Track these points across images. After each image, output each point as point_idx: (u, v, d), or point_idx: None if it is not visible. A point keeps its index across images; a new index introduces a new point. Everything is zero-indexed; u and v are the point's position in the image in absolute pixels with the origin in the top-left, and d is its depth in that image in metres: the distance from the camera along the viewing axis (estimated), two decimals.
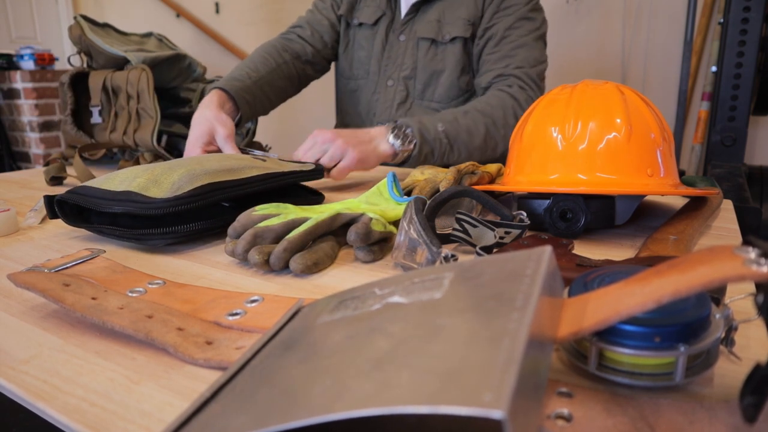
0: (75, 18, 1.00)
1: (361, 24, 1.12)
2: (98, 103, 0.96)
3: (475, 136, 0.91)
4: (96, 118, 0.98)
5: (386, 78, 1.10)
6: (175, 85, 1.03)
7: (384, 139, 0.84)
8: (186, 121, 1.00)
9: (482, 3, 1.02)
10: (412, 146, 0.85)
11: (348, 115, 1.21)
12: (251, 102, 0.94)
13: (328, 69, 1.19)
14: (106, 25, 1.05)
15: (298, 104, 1.05)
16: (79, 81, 1.02)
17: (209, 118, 0.83)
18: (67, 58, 1.06)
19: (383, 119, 1.12)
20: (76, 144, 1.01)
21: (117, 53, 0.94)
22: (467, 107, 0.94)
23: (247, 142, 1.00)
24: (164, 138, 0.93)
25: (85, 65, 1.02)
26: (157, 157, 0.89)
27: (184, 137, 0.97)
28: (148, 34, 1.09)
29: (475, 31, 1.03)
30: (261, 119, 1.05)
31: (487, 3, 1.02)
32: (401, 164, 0.88)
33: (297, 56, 1.11)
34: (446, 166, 0.82)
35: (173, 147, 0.93)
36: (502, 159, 0.93)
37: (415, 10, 1.06)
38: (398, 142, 0.84)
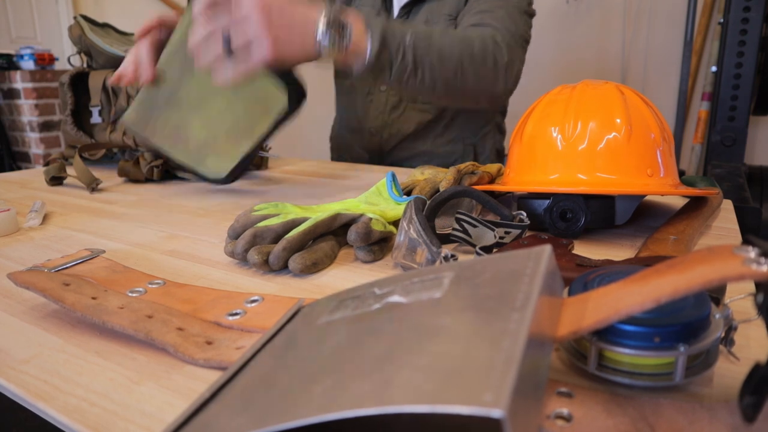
0: (75, 18, 1.00)
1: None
2: (98, 104, 0.96)
3: (446, 61, 0.75)
4: (96, 119, 0.98)
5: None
6: None
7: (311, 31, 0.61)
8: None
9: None
10: (349, 47, 0.63)
11: (345, 116, 1.20)
12: None
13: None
14: (106, 25, 1.04)
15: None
16: (79, 81, 1.02)
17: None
18: (67, 58, 1.06)
19: (377, 124, 1.10)
20: (76, 144, 1.01)
21: (117, 53, 0.93)
22: (445, 29, 0.82)
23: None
24: None
25: (84, 65, 1.02)
26: (157, 157, 0.88)
27: None
28: None
29: (458, 23, 0.99)
30: None
31: None
32: (345, 72, 0.69)
33: None
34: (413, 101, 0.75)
35: None
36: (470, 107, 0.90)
37: (406, 12, 1.05)
38: (327, 39, 0.61)
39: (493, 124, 1.14)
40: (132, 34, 1.05)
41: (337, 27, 0.61)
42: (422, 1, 1.04)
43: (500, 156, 1.17)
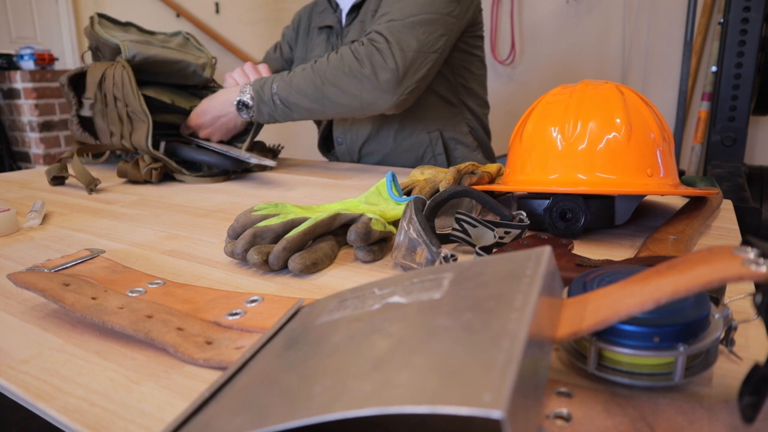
0: (91, 16, 0.99)
1: (320, 28, 1.17)
2: (92, 97, 0.94)
3: (304, 95, 0.90)
4: (86, 111, 0.97)
5: None
6: (182, 83, 1.01)
7: (235, 114, 0.95)
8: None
9: None
10: (252, 112, 0.93)
11: (319, 129, 1.25)
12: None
13: None
14: (128, 24, 1.03)
15: None
16: (79, 81, 1.02)
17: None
18: (81, 54, 1.06)
19: (339, 131, 1.14)
20: (83, 143, 1.01)
21: (113, 42, 0.91)
22: (310, 63, 0.91)
23: (249, 144, 1.00)
24: (162, 143, 0.92)
25: (91, 62, 1.02)
26: (155, 160, 0.88)
27: (185, 141, 0.97)
28: (176, 33, 1.06)
29: None
30: None
31: None
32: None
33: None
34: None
35: (172, 153, 0.92)
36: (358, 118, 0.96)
37: (351, 19, 1.07)
38: (245, 115, 0.95)
39: (458, 106, 1.11)
40: (159, 33, 1.04)
41: (242, 105, 0.94)
42: (360, 5, 1.06)
43: (483, 135, 1.15)
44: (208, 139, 0.99)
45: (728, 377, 0.28)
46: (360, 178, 0.90)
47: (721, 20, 1.79)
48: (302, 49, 1.22)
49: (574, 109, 0.54)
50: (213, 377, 0.29)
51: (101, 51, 0.97)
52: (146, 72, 0.94)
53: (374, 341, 0.23)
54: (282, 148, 1.13)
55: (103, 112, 0.93)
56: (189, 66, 0.98)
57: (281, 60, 1.27)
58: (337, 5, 1.12)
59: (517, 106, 2.68)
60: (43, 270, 0.41)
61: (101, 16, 0.99)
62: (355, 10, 1.07)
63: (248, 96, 0.93)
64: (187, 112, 0.99)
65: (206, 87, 1.05)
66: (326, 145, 1.24)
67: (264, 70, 1.06)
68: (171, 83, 1.00)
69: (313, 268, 0.44)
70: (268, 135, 1.25)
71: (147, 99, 0.91)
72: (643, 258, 0.41)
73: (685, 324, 0.25)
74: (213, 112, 0.96)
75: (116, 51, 0.92)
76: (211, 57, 1.02)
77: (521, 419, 0.17)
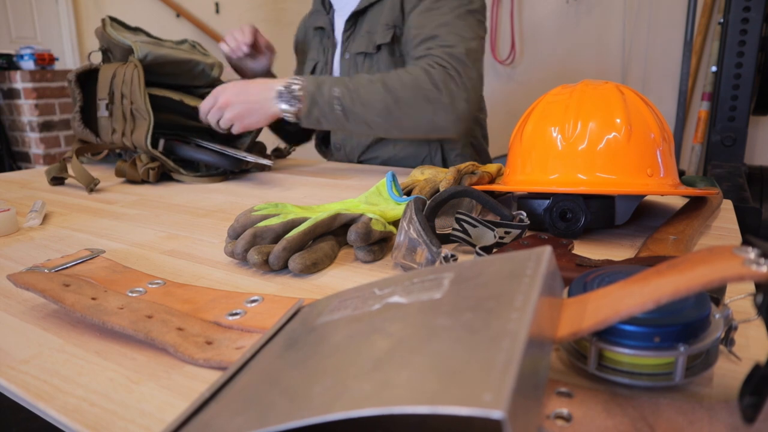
0: (103, 18, 1.00)
1: (314, 29, 1.17)
2: (105, 97, 0.95)
3: (371, 109, 0.87)
4: (103, 112, 0.97)
5: None
6: (187, 84, 1.01)
7: (273, 101, 0.88)
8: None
9: (400, 3, 1.00)
10: (300, 106, 0.88)
11: (318, 133, 1.24)
12: None
13: None
14: (138, 29, 1.04)
15: None
16: (86, 79, 1.02)
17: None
18: (88, 54, 1.06)
19: (339, 137, 1.14)
20: (86, 141, 1.01)
21: (125, 42, 0.92)
22: (379, 77, 0.89)
23: (250, 145, 0.99)
24: (161, 141, 0.92)
25: (101, 62, 1.02)
26: (153, 160, 0.88)
27: (184, 140, 0.97)
28: (183, 41, 1.08)
29: (397, 33, 1.01)
30: None
31: (405, 1, 0.99)
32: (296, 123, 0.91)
33: None
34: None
35: (170, 151, 0.92)
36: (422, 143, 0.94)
37: (351, 25, 1.07)
38: (285, 105, 0.88)
39: None
40: (166, 41, 1.05)
41: (288, 95, 0.88)
42: (364, 12, 1.05)
43: (482, 141, 1.16)
44: (213, 135, 0.99)
45: (729, 377, 0.28)
46: (360, 178, 0.90)
47: (721, 20, 1.79)
48: (301, 52, 1.23)
49: (574, 109, 0.54)
50: (213, 377, 0.29)
51: (112, 52, 0.98)
52: (155, 73, 0.95)
53: (374, 341, 0.23)
54: (293, 150, 1.13)
55: (111, 109, 0.94)
56: (198, 65, 0.98)
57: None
58: (331, 6, 1.12)
59: (517, 106, 2.68)
60: (43, 270, 0.41)
61: (112, 19, 1.00)
62: (355, 17, 1.06)
63: (298, 88, 0.87)
64: (194, 112, 0.99)
65: (213, 86, 1.06)
66: (324, 143, 1.24)
67: (247, 31, 1.05)
68: (178, 84, 1.00)
69: (313, 268, 0.44)
70: (270, 135, 1.24)
71: (156, 98, 0.91)
72: (643, 258, 0.41)
73: (685, 324, 0.25)
74: (247, 95, 0.89)
75: (127, 52, 0.93)
76: (219, 62, 1.03)
77: (521, 419, 0.17)
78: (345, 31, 1.08)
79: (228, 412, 0.22)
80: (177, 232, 0.58)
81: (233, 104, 0.89)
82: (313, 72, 1.16)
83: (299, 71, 1.23)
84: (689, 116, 2.36)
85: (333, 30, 1.13)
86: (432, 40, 0.93)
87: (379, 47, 1.02)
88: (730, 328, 0.28)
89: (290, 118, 0.89)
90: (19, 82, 2.28)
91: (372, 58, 1.04)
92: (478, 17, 0.98)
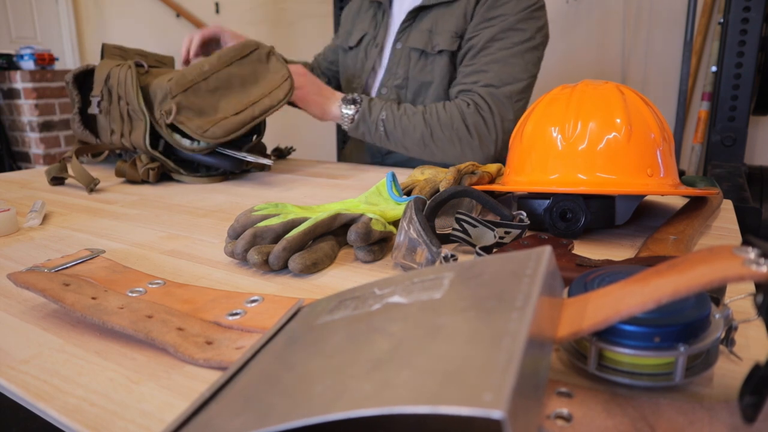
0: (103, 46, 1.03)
1: (350, 48, 1.19)
2: (99, 94, 0.95)
3: (409, 137, 0.98)
4: (95, 109, 0.97)
5: (381, 86, 1.11)
6: None
7: (337, 103, 1.00)
8: None
9: (471, 14, 1.00)
10: (353, 117, 0.99)
11: None
12: None
13: None
14: (137, 53, 1.07)
15: (301, 112, 1.08)
16: (84, 79, 1.02)
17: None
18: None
19: None
20: (86, 142, 1.01)
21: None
22: (421, 109, 0.98)
23: (251, 146, 0.99)
24: (161, 142, 0.92)
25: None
26: (153, 160, 0.88)
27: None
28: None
29: (462, 44, 1.01)
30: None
31: (475, 13, 0.99)
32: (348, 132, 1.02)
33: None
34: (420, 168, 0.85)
35: (170, 151, 0.92)
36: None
37: (412, 17, 1.06)
38: (345, 111, 0.99)
39: None
40: (166, 56, 1.07)
41: (350, 103, 1.00)
42: (429, 9, 1.04)
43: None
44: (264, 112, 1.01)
45: (729, 377, 0.28)
46: (360, 178, 0.90)
47: (721, 20, 1.79)
48: (350, 23, 1.22)
49: (574, 109, 0.54)
50: (213, 377, 0.29)
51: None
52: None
53: (374, 341, 0.23)
54: (293, 150, 1.13)
55: (107, 109, 0.93)
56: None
57: (330, 50, 1.29)
58: None
59: None
60: (43, 270, 0.41)
61: (114, 46, 1.03)
62: (417, 11, 1.05)
63: (356, 103, 0.99)
64: None
65: None
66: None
67: (186, 42, 1.09)
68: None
69: (313, 268, 0.44)
70: (272, 135, 1.24)
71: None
72: (643, 258, 0.41)
73: (685, 324, 0.25)
74: (319, 88, 1.00)
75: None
76: None
77: (522, 419, 0.17)
78: (404, 21, 1.07)
79: (228, 412, 0.22)
80: (177, 232, 0.58)
81: (305, 88, 0.98)
82: (360, 42, 1.17)
83: (344, 41, 1.22)
84: (689, 116, 2.36)
85: (390, 7, 1.12)
86: (479, 74, 0.98)
87: (440, 51, 1.02)
88: (730, 328, 0.28)
89: (342, 124, 1.01)
90: (19, 82, 2.28)
91: (428, 58, 1.04)
92: (538, 54, 1.01)
